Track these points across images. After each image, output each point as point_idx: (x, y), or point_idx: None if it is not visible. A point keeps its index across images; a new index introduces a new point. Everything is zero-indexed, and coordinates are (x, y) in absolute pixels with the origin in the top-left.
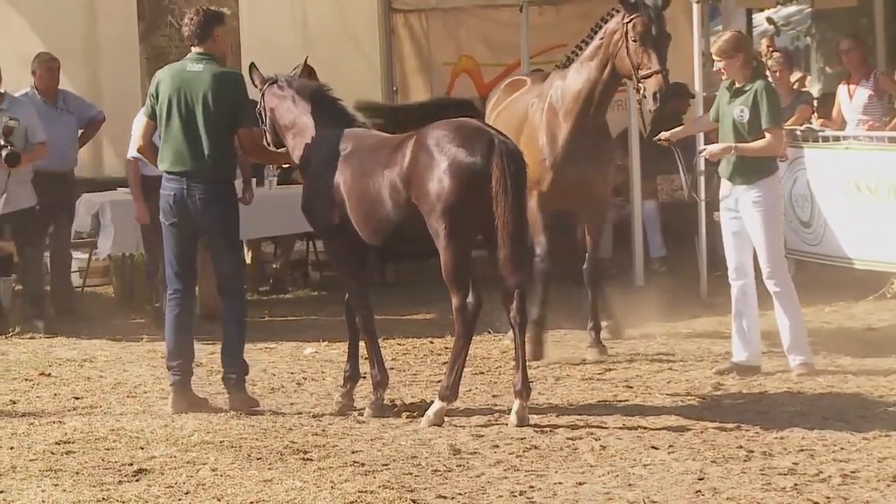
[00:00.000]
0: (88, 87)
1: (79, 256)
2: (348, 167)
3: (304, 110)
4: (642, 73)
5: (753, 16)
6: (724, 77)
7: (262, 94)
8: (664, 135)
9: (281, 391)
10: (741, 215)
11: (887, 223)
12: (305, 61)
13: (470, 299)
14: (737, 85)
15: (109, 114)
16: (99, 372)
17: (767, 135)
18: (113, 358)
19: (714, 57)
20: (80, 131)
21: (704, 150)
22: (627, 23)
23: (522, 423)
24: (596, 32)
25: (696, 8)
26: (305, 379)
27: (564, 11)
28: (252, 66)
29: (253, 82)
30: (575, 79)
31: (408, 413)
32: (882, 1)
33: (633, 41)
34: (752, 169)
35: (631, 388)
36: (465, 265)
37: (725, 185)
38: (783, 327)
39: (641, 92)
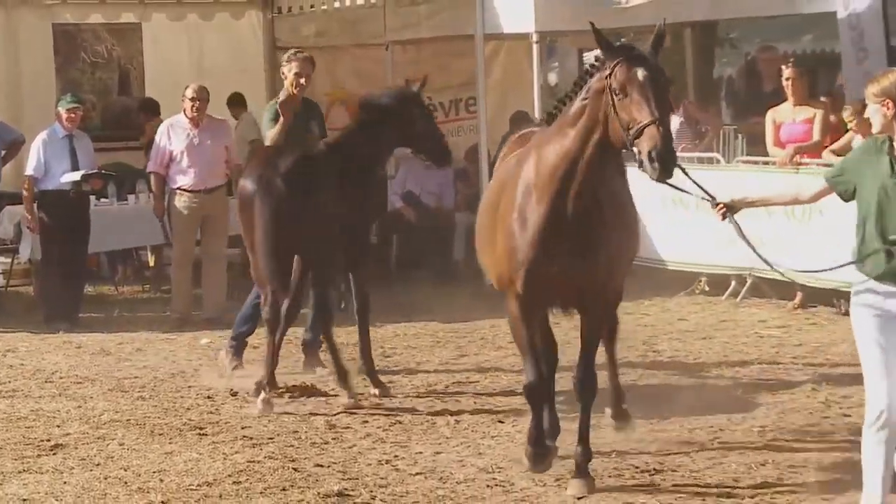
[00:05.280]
0: (11, 113)
1: (2, 260)
2: None
3: None
4: (632, 132)
5: (584, 55)
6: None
7: None
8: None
9: (180, 376)
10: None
11: (693, 231)
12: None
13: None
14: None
15: (30, 137)
16: (20, 360)
17: None
18: (33, 348)
19: (873, 100)
20: (3, 152)
21: None
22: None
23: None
24: (580, 87)
25: (535, 47)
26: (202, 365)
27: (423, 50)
28: None
29: None
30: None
31: (290, 394)
32: (690, 42)
33: (618, 95)
34: None
35: (482, 371)
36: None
37: (877, 290)
38: None
39: (637, 157)
